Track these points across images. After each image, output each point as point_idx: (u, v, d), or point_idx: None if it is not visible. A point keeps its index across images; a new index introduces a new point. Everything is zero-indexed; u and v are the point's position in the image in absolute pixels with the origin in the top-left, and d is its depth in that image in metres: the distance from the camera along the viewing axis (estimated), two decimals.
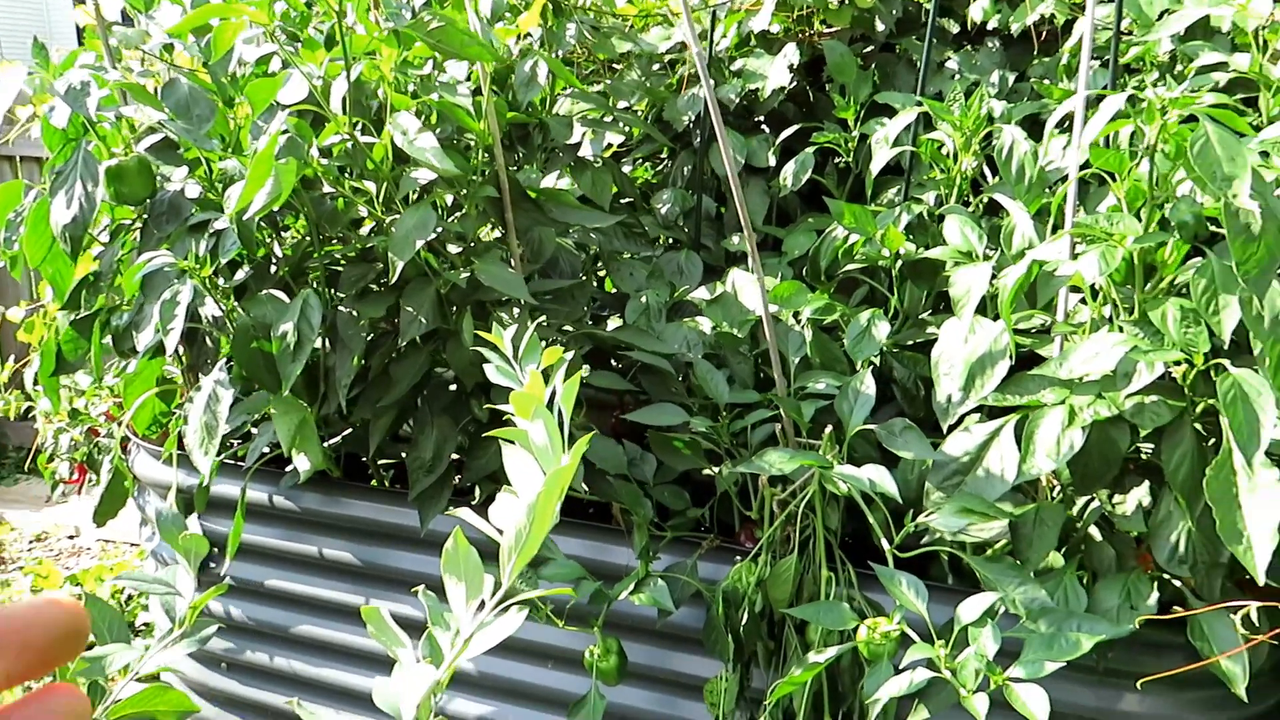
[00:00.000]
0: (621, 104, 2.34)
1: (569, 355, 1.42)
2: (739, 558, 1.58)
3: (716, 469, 1.64)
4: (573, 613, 1.59)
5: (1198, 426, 1.30)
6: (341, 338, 1.53)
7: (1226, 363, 1.18)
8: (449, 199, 1.64)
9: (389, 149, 1.47)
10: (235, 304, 1.58)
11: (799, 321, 1.76)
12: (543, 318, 1.76)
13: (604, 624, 1.66)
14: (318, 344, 1.68)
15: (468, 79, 1.70)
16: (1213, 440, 1.28)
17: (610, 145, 2.45)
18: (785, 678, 1.35)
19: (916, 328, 1.79)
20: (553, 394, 1.03)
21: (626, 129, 2.30)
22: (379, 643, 0.77)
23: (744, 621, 1.49)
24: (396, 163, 1.52)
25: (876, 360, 1.81)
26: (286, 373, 1.43)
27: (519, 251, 1.62)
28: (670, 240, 2.16)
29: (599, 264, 2.06)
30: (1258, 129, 1.39)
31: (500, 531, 0.85)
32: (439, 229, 1.52)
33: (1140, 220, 1.30)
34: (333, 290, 1.60)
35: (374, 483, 1.96)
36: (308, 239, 1.59)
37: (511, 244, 1.62)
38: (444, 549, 0.78)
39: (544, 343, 1.60)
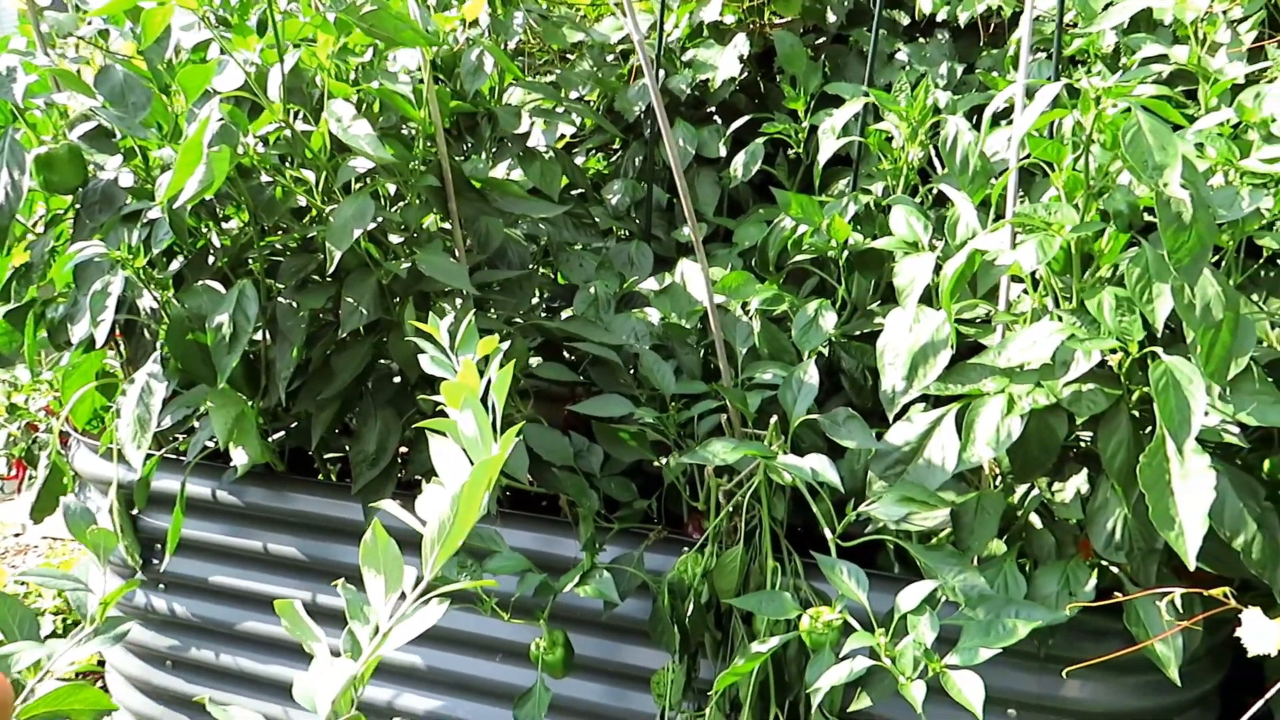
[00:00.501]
0: (574, 94, 2.33)
1: (505, 346, 1.40)
2: (686, 549, 1.58)
3: (664, 460, 1.63)
4: (521, 606, 1.58)
5: (1135, 414, 1.31)
6: (281, 329, 1.51)
7: (1159, 351, 1.19)
8: (392, 189, 1.62)
9: (327, 137, 1.44)
10: (170, 295, 1.55)
11: (747, 312, 1.76)
12: (492, 309, 1.74)
13: (552, 617, 1.65)
14: (259, 336, 1.66)
15: (420, 68, 1.68)
16: (1149, 428, 1.29)
17: (563, 136, 2.44)
18: (730, 668, 1.35)
19: (865, 318, 1.79)
20: (488, 385, 1.02)
21: (578, 119, 2.29)
22: (295, 637, 0.76)
23: (690, 613, 1.49)
24: (336, 151, 1.50)
25: (825, 351, 1.82)
26: (222, 365, 1.40)
27: (463, 242, 1.60)
28: (622, 231, 2.15)
29: (549, 255, 2.05)
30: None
31: (424, 523, 0.84)
32: (380, 219, 1.49)
33: (1079, 210, 1.31)
34: (273, 281, 1.57)
35: (320, 476, 1.93)
36: (247, 229, 1.56)
37: (456, 234, 1.60)
38: (362, 541, 0.77)
39: (491, 334, 1.59)
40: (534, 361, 1.79)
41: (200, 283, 1.50)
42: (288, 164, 1.58)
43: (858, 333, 1.77)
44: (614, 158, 2.42)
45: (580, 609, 1.67)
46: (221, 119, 1.36)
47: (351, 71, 1.58)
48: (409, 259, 1.49)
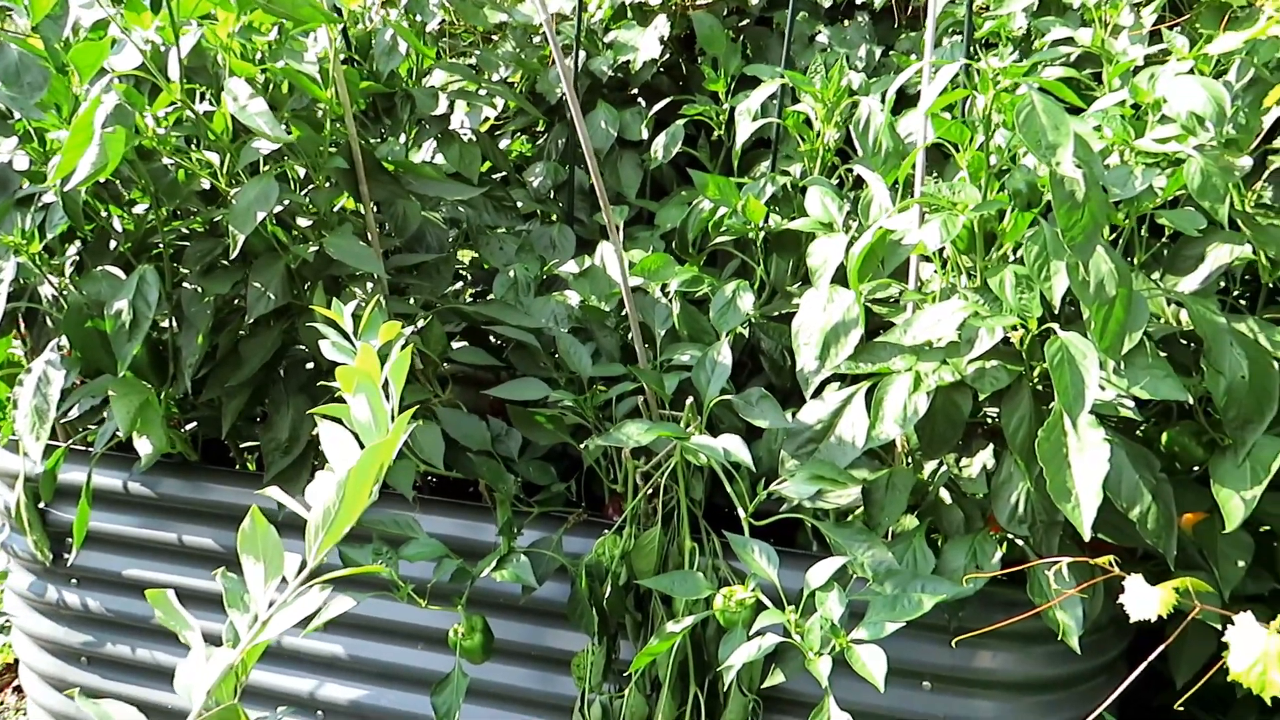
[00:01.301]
0: (497, 76, 2.30)
1: (408, 331, 1.39)
2: (607, 531, 1.58)
3: (584, 443, 1.63)
4: (442, 592, 1.57)
5: (1039, 389, 1.34)
6: (187, 316, 1.47)
7: (1055, 327, 1.21)
8: (302, 172, 1.59)
9: (229, 118, 1.41)
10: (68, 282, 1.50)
11: (666, 294, 1.76)
12: (410, 294, 1.72)
13: (475, 603, 1.64)
14: (167, 323, 1.62)
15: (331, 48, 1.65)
16: (1050, 403, 1.32)
17: (487, 119, 2.41)
18: (644, 648, 1.35)
19: (784, 299, 1.80)
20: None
21: (501, 102, 2.27)
22: (169, 626, 0.74)
23: (608, 595, 1.49)
24: (241, 133, 1.46)
25: (746, 332, 1.83)
26: (123, 353, 1.37)
27: (376, 225, 1.58)
28: (550, 214, 2.13)
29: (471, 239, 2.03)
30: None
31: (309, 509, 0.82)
32: (286, 201, 1.46)
33: (982, 190, 1.33)
34: (178, 266, 1.53)
35: (239, 466, 1.90)
36: (151, 214, 1.52)
37: (368, 217, 1.57)
38: (240, 528, 0.75)
39: (403, 319, 1.57)
40: (456, 345, 1.77)
41: (100, 268, 1.46)
42: (193, 146, 1.54)
43: (776, 314, 1.78)
44: (540, 141, 2.40)
45: (503, 594, 1.66)
46: (118, 99, 1.32)
47: (259, 51, 1.55)
48: (318, 243, 1.46)
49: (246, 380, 1.52)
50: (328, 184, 1.53)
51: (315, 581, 0.76)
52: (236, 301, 1.63)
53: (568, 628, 1.64)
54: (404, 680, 1.76)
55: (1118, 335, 1.19)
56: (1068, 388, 1.16)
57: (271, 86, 1.58)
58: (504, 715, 1.72)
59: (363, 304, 1.44)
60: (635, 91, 2.27)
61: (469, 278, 2.13)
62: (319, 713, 1.82)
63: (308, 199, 1.52)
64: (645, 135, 2.12)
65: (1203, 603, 1.07)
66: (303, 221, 1.56)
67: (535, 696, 1.71)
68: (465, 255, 2.11)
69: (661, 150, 2.04)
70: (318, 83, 1.45)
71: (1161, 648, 1.15)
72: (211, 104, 1.51)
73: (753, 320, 1.79)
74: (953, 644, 1.36)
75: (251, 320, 1.45)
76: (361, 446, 0.88)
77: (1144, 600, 0.92)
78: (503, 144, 2.41)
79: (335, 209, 1.60)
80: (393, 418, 0.93)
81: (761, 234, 1.80)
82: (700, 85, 2.20)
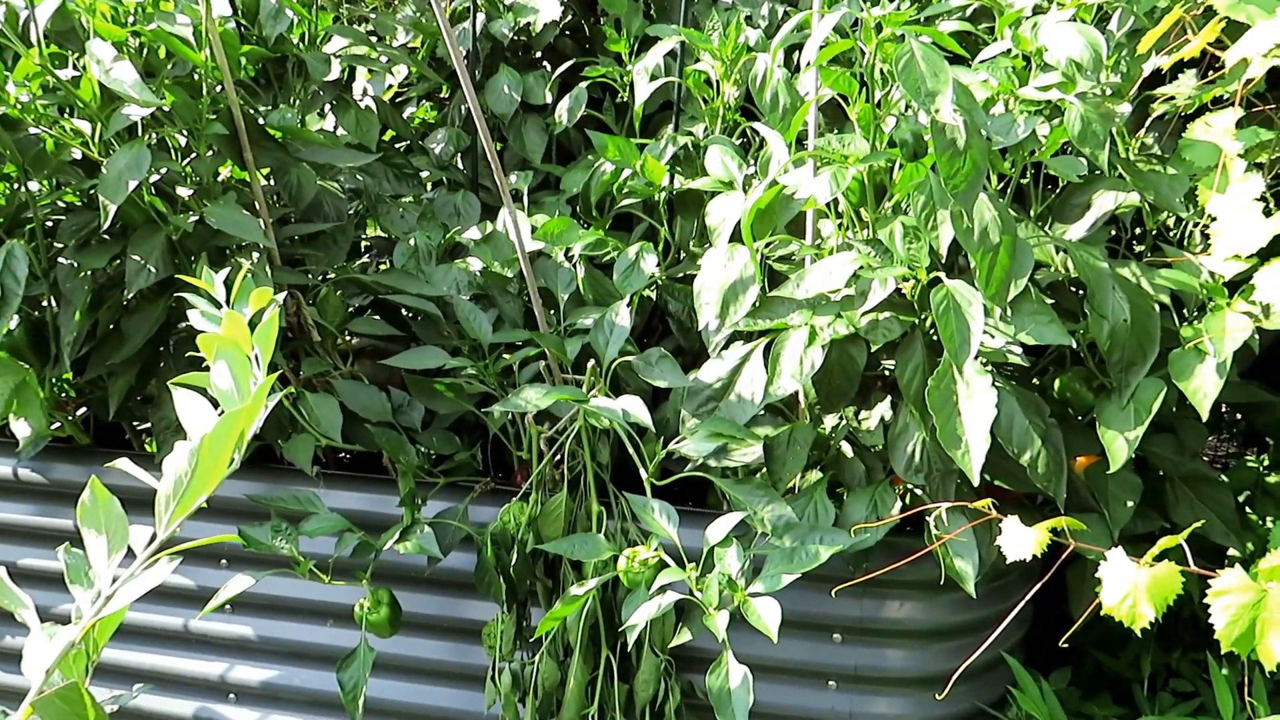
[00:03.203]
0: (400, 40, 2.25)
1: (281, 297, 1.34)
2: (515, 499, 1.56)
3: (484, 410, 1.61)
4: (348, 568, 1.54)
5: (934, 339, 1.35)
6: (63, 292, 1.41)
7: (942, 275, 1.22)
8: (183, 141, 1.53)
9: (97, 85, 1.35)
10: None
11: (570, 259, 1.74)
12: (307, 264, 1.67)
13: (385, 577, 1.62)
14: (47, 302, 1.55)
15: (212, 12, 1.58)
16: (944, 353, 1.33)
17: (391, 86, 2.35)
18: (548, 613, 1.34)
19: (690, 260, 1.79)
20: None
21: (404, 68, 2.21)
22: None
23: (514, 562, 1.48)
24: (113, 100, 1.40)
25: (653, 294, 1.82)
26: None
27: (264, 194, 1.53)
28: (457, 181, 2.09)
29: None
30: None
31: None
32: (163, 170, 1.41)
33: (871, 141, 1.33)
34: (53, 242, 1.47)
35: (137, 448, 1.84)
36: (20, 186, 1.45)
37: (254, 186, 1.52)
38: (80, 501, 0.72)
39: (304, 290, 1.52)
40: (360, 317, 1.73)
41: None
42: (66, 114, 1.47)
43: (682, 275, 1.77)
44: (446, 108, 2.35)
45: (412, 567, 1.64)
46: None
47: (130, 14, 1.48)
48: (200, 213, 1.41)
49: (131, 358, 1.46)
50: (209, 152, 1.48)
51: (164, 554, 0.73)
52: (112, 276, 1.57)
53: (479, 598, 1.62)
54: (315, 659, 1.74)
55: (1003, 282, 1.20)
56: (953, 335, 1.17)
57: (147, 51, 1.52)
58: (419, 688, 1.71)
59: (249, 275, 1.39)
60: (539, 55, 2.22)
61: (374, 249, 2.08)
62: (230, 696, 1.78)
63: (189, 167, 1.47)
64: (550, 99, 2.08)
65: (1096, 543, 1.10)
66: (185, 192, 1.50)
67: (450, 668, 1.69)
68: (376, 227, 2.06)
69: (566, 114, 2.01)
70: (191, 45, 1.39)
71: (1035, 588, 1.17)
72: (81, 70, 1.44)
73: (659, 282, 1.78)
74: (832, 593, 1.37)
75: (131, 295, 1.39)
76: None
77: (1019, 541, 0.94)
78: (408, 111, 2.35)
79: (219, 178, 1.54)
80: (253, 384, 0.89)
81: (665, 195, 1.78)
82: (604, 47, 2.17)
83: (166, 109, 1.44)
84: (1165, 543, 0.92)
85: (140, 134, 1.42)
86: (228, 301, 1.13)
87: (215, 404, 0.89)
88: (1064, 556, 1.04)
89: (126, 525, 0.72)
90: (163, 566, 0.71)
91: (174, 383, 0.92)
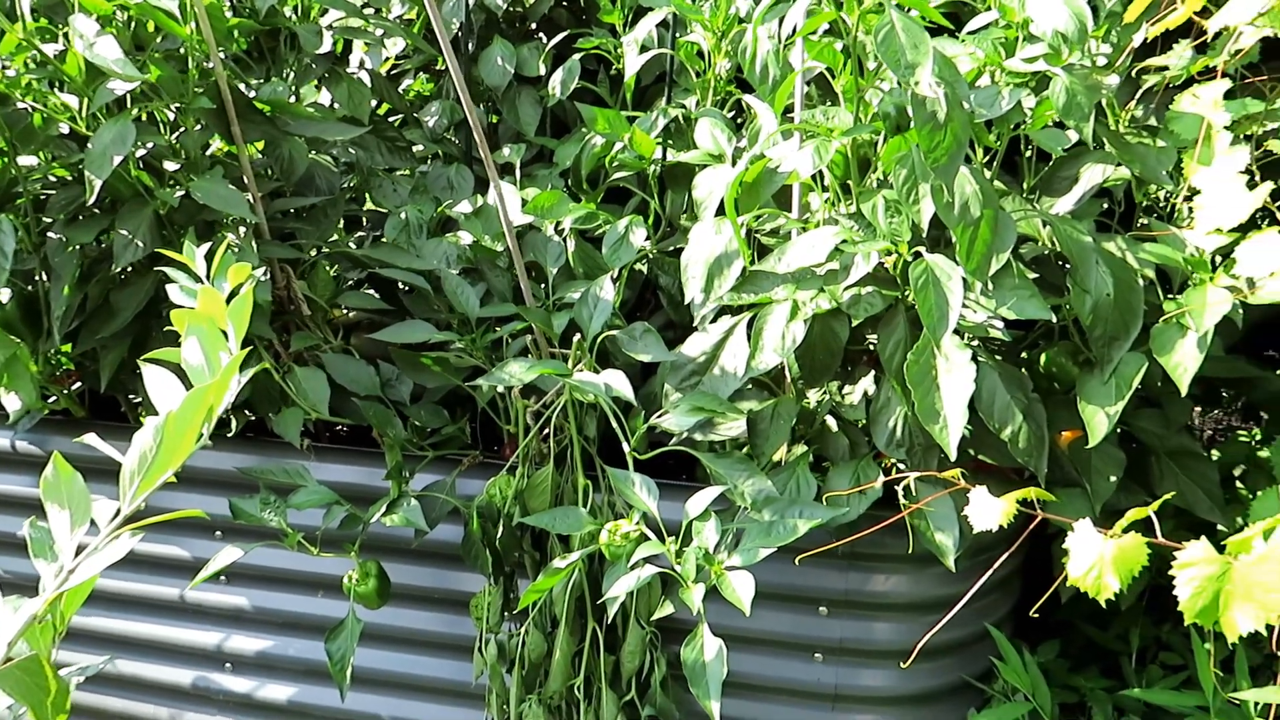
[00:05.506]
0: (395, 12, 2.23)
1: (260, 272, 1.35)
2: (502, 472, 1.57)
3: (470, 384, 1.61)
4: (338, 540, 1.56)
5: (917, 313, 1.34)
6: (53, 266, 1.42)
7: (922, 250, 1.21)
8: (171, 115, 1.53)
9: (82, 60, 1.35)
10: None
11: (560, 232, 1.73)
12: (299, 238, 1.68)
13: (375, 549, 1.63)
14: (40, 276, 1.57)
15: None
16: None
17: (389, 58, 2.34)
18: (531, 585, 1.35)
19: (681, 234, 1.79)
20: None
21: (400, 41, 2.20)
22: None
23: (500, 535, 1.49)
24: (99, 74, 1.40)
25: (644, 268, 1.81)
26: None
27: (251, 168, 1.53)
28: (447, 154, 2.09)
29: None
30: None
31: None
32: (150, 144, 1.41)
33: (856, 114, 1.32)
34: (42, 216, 1.48)
35: (133, 420, 1.86)
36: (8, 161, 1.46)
37: (242, 159, 1.52)
38: (42, 475, 0.73)
39: (293, 264, 1.52)
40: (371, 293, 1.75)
41: None
42: (55, 89, 1.48)
43: (673, 249, 1.77)
44: (442, 81, 2.34)
45: (401, 539, 1.65)
46: None
47: None
48: (187, 188, 1.42)
49: (121, 331, 1.47)
50: (197, 126, 1.48)
51: (129, 528, 0.74)
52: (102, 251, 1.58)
53: (468, 569, 1.64)
54: (309, 629, 1.76)
55: (984, 256, 1.20)
56: (932, 309, 1.16)
57: (135, 25, 1.52)
58: (409, 658, 1.73)
59: (233, 248, 1.40)
60: (534, 26, 2.21)
61: (369, 222, 2.08)
62: (227, 665, 1.81)
63: (176, 141, 1.47)
64: (544, 71, 2.07)
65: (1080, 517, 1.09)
66: (172, 166, 1.50)
67: (438, 639, 1.71)
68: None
69: (559, 86, 2.00)
70: (176, 18, 1.39)
71: (1004, 558, 1.18)
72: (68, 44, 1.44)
73: (650, 256, 1.78)
74: (796, 560, 1.38)
75: (118, 269, 1.40)
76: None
77: (987, 511, 0.94)
78: (405, 84, 2.35)
79: (209, 152, 1.54)
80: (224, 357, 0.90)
81: (656, 168, 1.78)
82: (600, 18, 2.15)
83: (154, 83, 1.44)
84: (1134, 514, 0.91)
85: (128, 108, 1.42)
86: (208, 276, 1.14)
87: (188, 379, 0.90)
88: (1032, 528, 1.04)
89: (89, 499, 0.73)
90: (125, 540, 0.72)
91: (145, 359, 0.93)
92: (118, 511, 0.74)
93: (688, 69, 1.87)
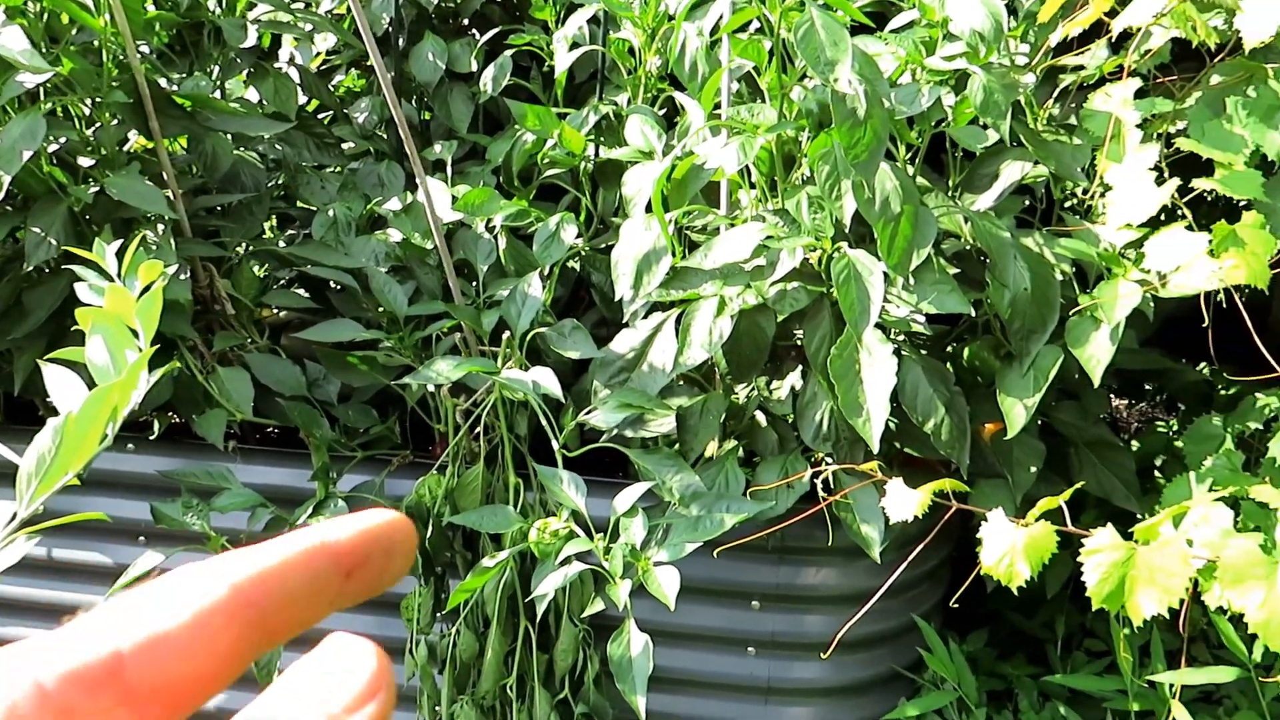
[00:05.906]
0: (326, 7, 2.21)
1: (171, 271, 1.32)
2: (432, 471, 1.56)
3: (396, 383, 1.60)
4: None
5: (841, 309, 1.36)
6: None
7: (844, 245, 1.23)
8: (88, 109, 1.49)
9: None
10: None
11: (492, 229, 1.72)
12: (222, 235, 1.64)
13: None
14: None
15: None
16: None
17: (320, 54, 2.31)
18: (459, 584, 1.34)
19: (613, 231, 1.79)
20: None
21: (331, 36, 2.17)
22: None
23: (430, 535, 1.48)
24: (7, 67, 1.36)
25: (577, 266, 1.81)
26: None
27: (169, 164, 1.50)
28: (377, 151, 2.06)
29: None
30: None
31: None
32: (64, 139, 1.37)
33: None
34: None
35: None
36: None
37: (161, 155, 1.49)
38: None
39: (217, 262, 1.49)
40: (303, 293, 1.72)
41: None
42: None
43: (605, 246, 1.77)
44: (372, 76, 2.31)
45: None
46: None
47: None
48: (102, 184, 1.38)
49: (36, 332, 1.43)
50: (113, 121, 1.44)
51: (25, 531, 0.72)
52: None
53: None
54: None
55: (905, 252, 1.21)
56: (854, 304, 1.18)
57: (48, 16, 1.48)
58: None
59: (151, 245, 1.37)
60: (466, 22, 2.19)
61: (298, 220, 2.05)
62: None
63: (92, 136, 1.43)
64: (476, 67, 2.06)
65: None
66: (87, 162, 1.46)
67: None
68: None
69: (490, 83, 1.99)
70: (90, 10, 1.36)
71: (920, 548, 1.20)
72: None
73: (583, 254, 1.78)
74: (714, 553, 1.39)
75: (30, 268, 1.36)
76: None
77: (902, 502, 0.95)
78: (336, 79, 2.31)
79: (125, 148, 1.51)
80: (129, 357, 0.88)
81: (588, 165, 1.77)
82: (532, 14, 2.14)
83: (67, 76, 1.40)
84: (1045, 504, 0.93)
85: (39, 102, 1.38)
86: (119, 274, 1.11)
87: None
88: (961, 520, 1.06)
89: None
90: (21, 544, 0.69)
91: (48, 358, 0.91)
92: (13, 515, 0.72)
93: (619, 66, 1.87)
